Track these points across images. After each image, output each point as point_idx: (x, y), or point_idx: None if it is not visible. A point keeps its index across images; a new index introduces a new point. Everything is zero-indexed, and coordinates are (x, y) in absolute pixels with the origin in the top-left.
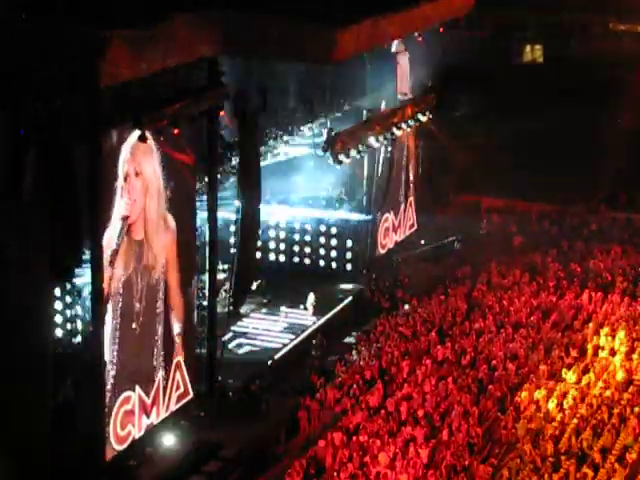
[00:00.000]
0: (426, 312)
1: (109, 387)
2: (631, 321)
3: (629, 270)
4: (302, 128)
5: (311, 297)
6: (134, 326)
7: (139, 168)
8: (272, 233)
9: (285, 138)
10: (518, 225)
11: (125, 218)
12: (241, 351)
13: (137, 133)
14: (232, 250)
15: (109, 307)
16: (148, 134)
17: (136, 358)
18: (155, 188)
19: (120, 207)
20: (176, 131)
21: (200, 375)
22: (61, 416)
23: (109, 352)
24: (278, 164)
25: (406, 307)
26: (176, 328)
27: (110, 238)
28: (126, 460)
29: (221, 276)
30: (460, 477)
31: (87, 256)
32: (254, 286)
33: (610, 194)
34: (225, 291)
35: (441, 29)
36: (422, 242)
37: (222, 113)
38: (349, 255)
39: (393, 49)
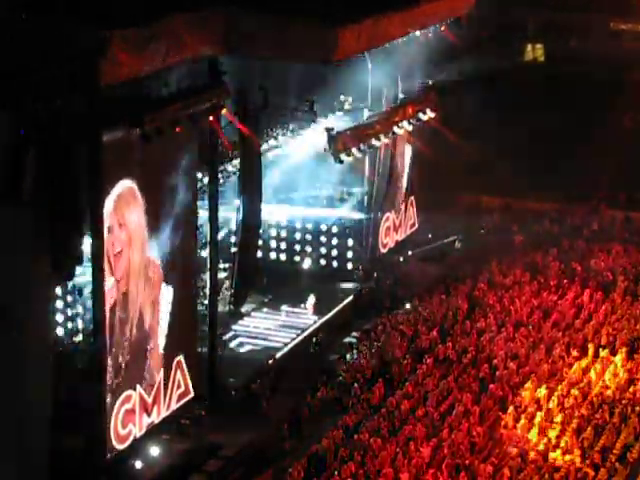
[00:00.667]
0: (427, 311)
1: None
2: (632, 320)
3: (630, 269)
4: (303, 127)
5: (312, 297)
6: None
7: (122, 220)
8: (273, 232)
9: (286, 137)
10: (519, 224)
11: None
12: (242, 350)
13: (122, 184)
14: (233, 249)
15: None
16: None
17: (139, 357)
18: (139, 237)
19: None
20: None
21: (201, 374)
22: (61, 415)
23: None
24: (279, 163)
25: (407, 306)
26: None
27: None
28: (127, 459)
29: (222, 275)
30: (461, 476)
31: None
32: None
33: (610, 193)
34: (226, 290)
35: (442, 28)
36: (423, 241)
37: (224, 112)
38: (350, 254)
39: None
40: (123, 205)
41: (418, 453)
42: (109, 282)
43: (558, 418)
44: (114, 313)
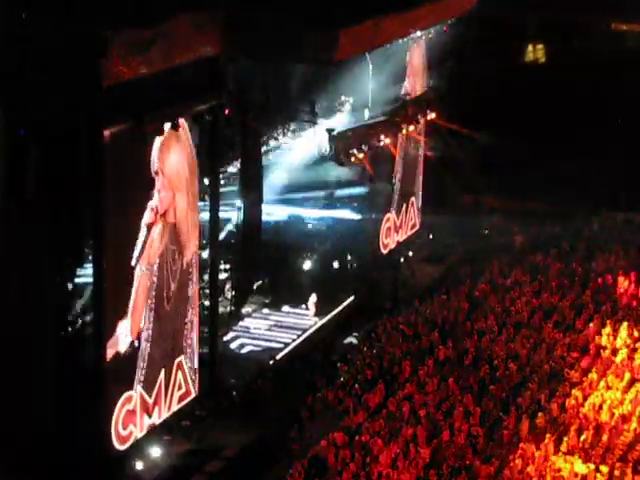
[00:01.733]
0: (428, 312)
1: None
2: (632, 321)
3: (630, 270)
4: (304, 128)
5: (313, 297)
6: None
7: (170, 162)
8: (273, 232)
9: (287, 138)
10: (520, 225)
11: (155, 209)
12: (243, 351)
13: (168, 126)
14: (233, 250)
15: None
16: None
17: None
18: (183, 183)
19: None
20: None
21: (202, 375)
22: (63, 416)
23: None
24: (279, 164)
25: (408, 307)
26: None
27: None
28: (128, 460)
29: (222, 276)
30: (462, 477)
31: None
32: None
33: (611, 194)
34: (227, 291)
35: (444, 28)
36: (424, 242)
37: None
38: (350, 255)
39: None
40: (169, 149)
41: (419, 454)
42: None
43: (560, 419)
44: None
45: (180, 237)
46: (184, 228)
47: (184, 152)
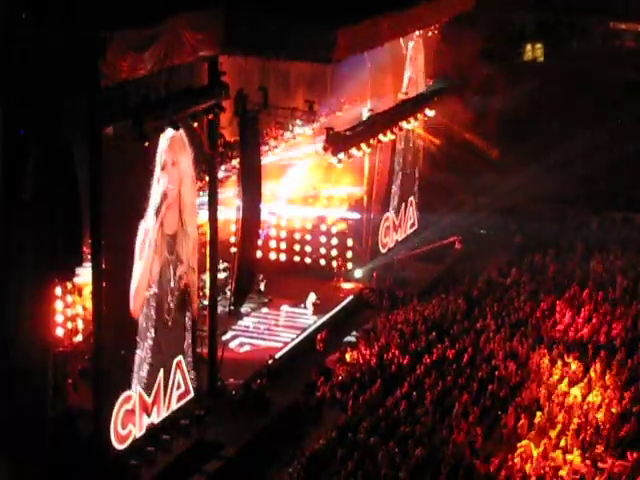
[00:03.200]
0: (426, 311)
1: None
2: (631, 320)
3: (629, 269)
4: (303, 127)
5: (312, 296)
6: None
7: (175, 158)
8: (273, 232)
9: (286, 137)
10: (518, 224)
11: (164, 196)
12: (242, 350)
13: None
14: (233, 249)
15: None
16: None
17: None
18: (189, 179)
19: (156, 194)
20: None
21: (201, 374)
22: (62, 416)
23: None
24: (279, 163)
25: (406, 306)
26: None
27: (146, 228)
28: (127, 459)
29: (222, 275)
30: (460, 476)
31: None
32: (262, 286)
33: (610, 193)
34: (227, 290)
35: (442, 27)
36: (422, 241)
37: (223, 112)
38: (350, 254)
39: (396, 48)
40: (175, 146)
41: (417, 453)
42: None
43: (558, 418)
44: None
45: (177, 246)
46: (182, 236)
47: (183, 152)
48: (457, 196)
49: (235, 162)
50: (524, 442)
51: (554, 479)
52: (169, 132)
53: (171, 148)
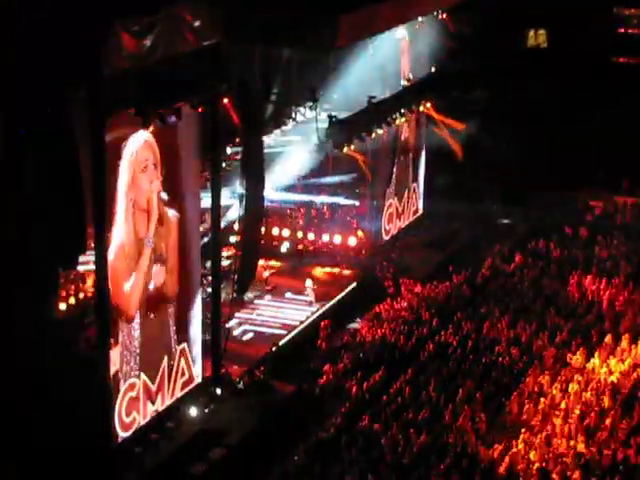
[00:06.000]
0: (430, 297)
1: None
2: (635, 306)
3: (632, 255)
4: (305, 115)
5: (308, 282)
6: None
7: (144, 164)
8: (276, 220)
9: (288, 125)
10: (522, 210)
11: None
12: (245, 338)
13: (140, 134)
14: (236, 237)
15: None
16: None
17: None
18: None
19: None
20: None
21: (205, 362)
22: (66, 406)
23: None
24: (281, 151)
25: (409, 292)
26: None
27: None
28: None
29: (225, 263)
30: (464, 462)
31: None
32: (266, 273)
33: (613, 179)
34: (230, 277)
35: (443, 14)
36: (426, 228)
37: (225, 100)
38: (353, 241)
39: (398, 35)
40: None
41: (420, 439)
42: None
43: (562, 404)
44: None
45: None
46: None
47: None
48: (464, 182)
49: (238, 149)
50: (528, 428)
51: (558, 465)
52: (135, 138)
53: (137, 156)
